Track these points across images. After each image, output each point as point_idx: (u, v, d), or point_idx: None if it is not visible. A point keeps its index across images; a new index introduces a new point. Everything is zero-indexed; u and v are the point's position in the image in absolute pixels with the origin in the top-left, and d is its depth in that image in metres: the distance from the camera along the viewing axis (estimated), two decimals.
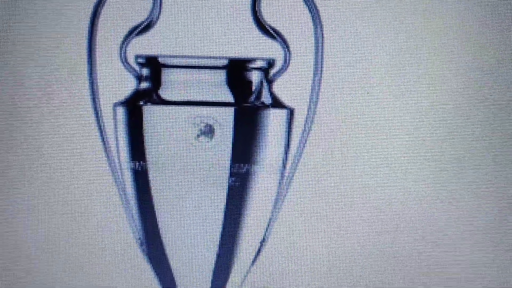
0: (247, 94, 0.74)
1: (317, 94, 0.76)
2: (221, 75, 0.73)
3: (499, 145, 0.77)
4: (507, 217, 0.77)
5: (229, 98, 0.73)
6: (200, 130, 0.72)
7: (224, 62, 0.73)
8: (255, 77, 0.74)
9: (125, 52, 0.74)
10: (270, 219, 0.75)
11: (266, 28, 0.75)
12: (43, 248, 0.76)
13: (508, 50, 0.77)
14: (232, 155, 0.73)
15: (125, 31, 0.75)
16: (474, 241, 0.77)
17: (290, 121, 0.75)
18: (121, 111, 0.74)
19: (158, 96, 0.73)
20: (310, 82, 0.75)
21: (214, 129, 0.72)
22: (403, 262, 0.77)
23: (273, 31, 0.75)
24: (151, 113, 0.73)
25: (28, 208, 0.75)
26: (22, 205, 0.75)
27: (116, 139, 0.74)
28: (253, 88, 0.74)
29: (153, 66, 0.73)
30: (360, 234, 0.76)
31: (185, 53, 0.75)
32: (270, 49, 0.75)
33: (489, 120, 0.77)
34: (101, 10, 0.75)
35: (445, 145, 0.77)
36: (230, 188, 0.73)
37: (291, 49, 0.75)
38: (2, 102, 0.75)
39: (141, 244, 0.74)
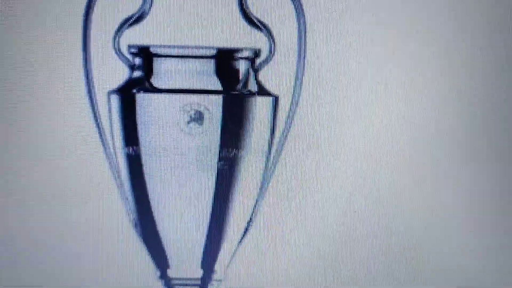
0: (234, 82, 0.73)
1: (301, 82, 0.75)
2: (210, 64, 0.73)
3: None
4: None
5: (218, 86, 0.73)
6: (190, 116, 0.72)
7: (213, 52, 0.73)
8: (242, 66, 0.74)
9: (118, 42, 0.74)
10: (256, 201, 0.75)
11: (252, 19, 0.74)
12: (40, 230, 0.75)
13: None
14: (220, 140, 0.73)
15: (118, 22, 0.74)
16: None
17: (275, 108, 0.75)
18: (115, 99, 0.73)
19: (150, 84, 0.73)
20: (294, 71, 0.75)
21: (203, 115, 0.72)
22: (382, 241, 0.77)
23: (259, 23, 0.74)
24: (143, 101, 0.72)
25: (25, 193, 0.75)
26: (19, 190, 0.75)
27: (110, 125, 0.74)
28: (240, 76, 0.74)
29: (145, 56, 0.73)
30: (342, 214, 0.76)
31: (176, 43, 0.75)
32: (256, 39, 0.75)
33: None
34: (95, 1, 0.74)
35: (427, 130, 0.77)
36: (219, 172, 0.73)
37: (276, 39, 0.75)
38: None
39: (135, 226, 0.74)
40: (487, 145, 0.77)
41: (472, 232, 0.77)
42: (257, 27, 0.75)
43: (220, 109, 0.72)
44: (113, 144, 0.74)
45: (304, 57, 0.75)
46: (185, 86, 0.73)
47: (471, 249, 0.77)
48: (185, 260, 0.74)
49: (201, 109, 0.72)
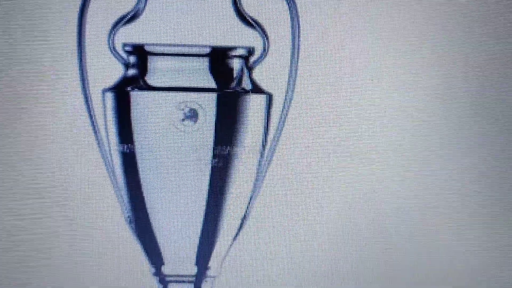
0: (228, 80, 0.73)
1: (294, 80, 0.76)
2: (204, 63, 0.73)
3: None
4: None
5: (212, 84, 0.73)
6: (185, 114, 0.72)
7: (207, 50, 0.73)
8: (236, 64, 0.74)
9: (113, 41, 0.74)
10: (250, 198, 0.75)
11: (246, 18, 0.75)
12: (34, 226, 0.74)
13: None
14: (215, 137, 0.73)
15: (113, 21, 0.75)
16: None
17: (269, 105, 0.75)
18: (109, 97, 0.73)
19: (145, 82, 0.73)
20: (287, 69, 0.75)
21: (198, 113, 0.72)
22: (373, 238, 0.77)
23: (253, 22, 0.75)
24: (138, 98, 0.72)
25: (18, 191, 0.74)
26: (13, 188, 0.74)
27: (105, 123, 0.74)
28: (234, 74, 0.74)
29: (140, 54, 0.73)
30: (335, 210, 0.76)
31: (170, 42, 0.75)
32: (250, 38, 0.75)
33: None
34: (90, 1, 0.74)
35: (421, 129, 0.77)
36: (213, 169, 0.73)
37: (269, 38, 0.75)
38: None
39: (130, 222, 0.74)
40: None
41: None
42: (251, 25, 0.75)
43: (214, 107, 0.72)
44: (108, 141, 0.74)
45: (297, 56, 0.75)
46: (180, 84, 0.73)
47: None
48: (180, 256, 0.74)
49: (196, 107, 0.72)
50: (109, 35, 0.74)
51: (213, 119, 0.72)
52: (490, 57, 0.78)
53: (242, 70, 0.74)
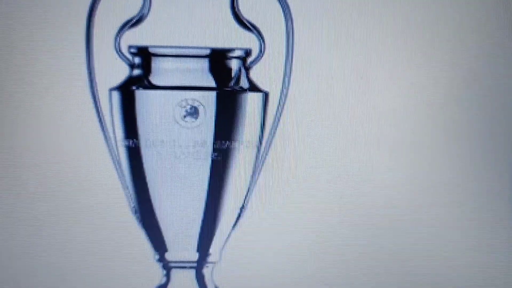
0: (227, 79, 0.74)
1: (289, 79, 0.76)
2: (205, 63, 0.73)
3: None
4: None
5: (212, 83, 0.73)
6: (186, 111, 0.73)
7: (207, 51, 0.73)
8: (234, 64, 0.74)
9: (119, 43, 0.75)
10: (248, 189, 0.75)
11: (243, 22, 0.75)
12: (45, 217, 0.75)
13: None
14: (214, 133, 0.73)
15: (119, 24, 0.75)
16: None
17: (265, 103, 0.75)
18: (116, 95, 0.74)
19: (149, 82, 0.73)
20: (283, 68, 0.76)
21: (198, 110, 0.73)
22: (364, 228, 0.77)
23: (250, 25, 0.75)
24: (142, 97, 0.73)
25: (30, 185, 0.75)
26: (25, 183, 0.75)
27: (112, 119, 0.74)
28: (233, 74, 0.74)
29: (144, 55, 0.74)
30: (328, 201, 0.76)
31: (173, 44, 0.75)
32: (247, 40, 0.75)
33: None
34: (97, 5, 0.74)
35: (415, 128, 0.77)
36: (213, 162, 0.73)
37: (265, 40, 0.75)
38: (6, 88, 0.75)
39: (135, 212, 0.75)
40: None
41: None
42: (248, 28, 0.75)
43: (214, 104, 0.73)
44: (114, 137, 0.74)
45: (291, 56, 0.76)
46: (181, 83, 0.73)
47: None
48: (182, 244, 0.75)
49: (196, 104, 0.73)
50: (115, 38, 0.75)
51: (213, 116, 0.73)
52: (491, 58, 0.78)
53: (240, 70, 0.74)
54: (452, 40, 0.78)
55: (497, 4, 0.77)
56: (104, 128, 0.75)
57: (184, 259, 0.75)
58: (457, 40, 0.78)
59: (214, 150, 0.74)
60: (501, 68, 0.77)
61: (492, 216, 0.77)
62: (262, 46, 0.76)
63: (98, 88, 0.75)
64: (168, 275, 0.76)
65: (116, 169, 0.75)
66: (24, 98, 0.75)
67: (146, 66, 0.74)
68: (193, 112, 0.73)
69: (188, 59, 0.74)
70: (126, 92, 0.74)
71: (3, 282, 0.75)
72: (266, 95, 0.76)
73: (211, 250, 0.76)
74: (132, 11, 0.75)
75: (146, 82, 0.74)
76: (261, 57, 0.76)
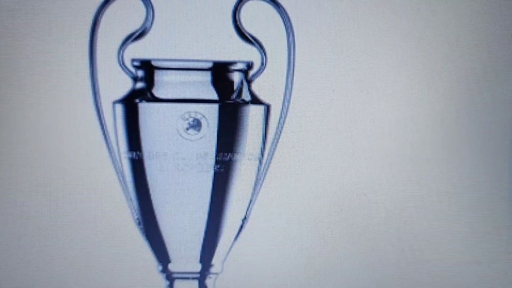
0: (229, 92, 0.74)
1: (290, 92, 0.76)
2: (207, 76, 0.74)
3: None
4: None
5: (214, 96, 0.73)
6: (189, 123, 0.73)
7: (209, 65, 0.74)
8: (236, 77, 0.75)
9: (122, 56, 0.75)
10: (250, 200, 0.75)
11: (245, 35, 0.75)
12: (51, 229, 0.75)
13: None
14: (217, 145, 0.73)
15: (122, 38, 0.75)
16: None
17: (267, 115, 0.76)
18: (119, 108, 0.74)
19: (152, 95, 0.73)
20: (284, 81, 0.76)
21: (201, 123, 0.73)
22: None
23: (252, 38, 0.75)
24: (145, 109, 0.73)
25: (37, 196, 0.75)
26: (33, 195, 0.75)
27: (116, 132, 0.74)
28: (235, 87, 0.74)
29: (147, 68, 0.74)
30: (330, 213, 0.77)
31: (175, 57, 0.75)
32: (249, 53, 0.76)
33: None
34: (100, 19, 0.75)
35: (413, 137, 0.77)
36: (216, 174, 0.74)
37: (267, 53, 0.76)
38: (13, 104, 0.75)
39: (139, 223, 0.75)
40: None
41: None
42: (249, 42, 0.76)
43: (216, 116, 0.73)
44: (118, 149, 0.75)
45: (293, 69, 0.76)
46: (184, 96, 0.73)
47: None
48: (185, 255, 0.75)
49: (199, 117, 0.73)
50: (119, 51, 0.75)
51: (215, 128, 0.73)
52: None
53: (242, 83, 0.75)
54: (450, 56, 0.78)
55: (495, 18, 0.78)
56: (108, 141, 0.75)
57: (187, 270, 0.75)
58: (456, 56, 0.78)
59: (217, 162, 0.74)
60: (497, 83, 0.78)
61: (490, 227, 0.78)
62: (264, 59, 0.76)
63: (102, 101, 0.75)
64: (171, 286, 0.76)
65: (120, 181, 0.75)
66: (28, 111, 0.75)
67: (149, 79, 0.74)
68: (196, 124, 0.73)
69: (191, 72, 0.74)
70: (130, 105, 0.74)
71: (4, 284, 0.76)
72: (267, 108, 0.76)
73: (213, 261, 0.76)
74: (135, 25, 0.75)
75: (149, 95, 0.74)
76: (262, 70, 0.76)
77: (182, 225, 0.75)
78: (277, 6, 0.76)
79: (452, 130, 0.77)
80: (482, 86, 0.78)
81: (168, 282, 0.76)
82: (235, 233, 0.76)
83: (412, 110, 0.77)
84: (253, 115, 0.75)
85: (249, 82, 0.76)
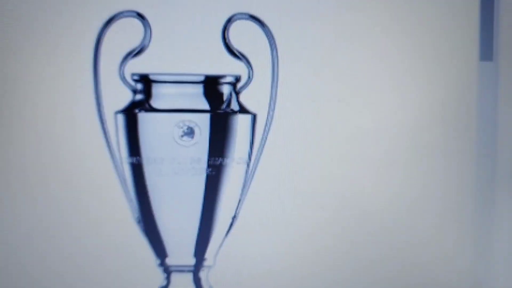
0: (220, 103, 0.76)
1: (275, 102, 0.78)
2: (199, 88, 0.76)
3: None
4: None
5: (206, 106, 0.76)
6: (184, 131, 0.75)
7: (201, 78, 0.76)
8: (226, 89, 0.77)
9: (123, 71, 0.77)
10: (239, 200, 0.78)
11: (234, 51, 0.78)
12: (57, 228, 0.76)
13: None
14: (209, 150, 0.76)
15: (122, 55, 0.77)
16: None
17: (254, 123, 0.78)
18: (120, 118, 0.77)
19: (150, 105, 0.76)
20: (269, 92, 0.78)
21: (194, 131, 0.75)
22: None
23: (239, 54, 0.78)
24: (144, 119, 0.75)
25: (43, 199, 0.76)
26: (38, 196, 0.76)
27: (117, 139, 0.76)
28: (225, 98, 0.77)
29: (146, 82, 0.76)
30: (313, 211, 0.78)
31: (171, 71, 0.77)
32: (237, 67, 0.78)
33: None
34: (103, 38, 0.76)
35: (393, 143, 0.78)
36: (208, 177, 0.76)
37: (253, 67, 0.78)
38: (16, 114, 0.76)
39: (139, 222, 0.77)
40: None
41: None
42: (237, 57, 0.78)
43: (208, 125, 0.76)
44: (120, 155, 0.77)
45: (277, 81, 0.78)
46: (179, 106, 0.76)
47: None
48: (181, 250, 0.76)
49: (192, 125, 0.75)
50: (120, 67, 0.77)
51: (207, 135, 0.76)
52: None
53: (231, 94, 0.77)
54: (422, 73, 0.79)
55: (464, 39, 0.79)
56: (110, 147, 0.77)
57: (182, 264, 0.77)
58: (428, 74, 0.80)
59: (209, 166, 0.76)
60: (463, 98, 0.79)
61: (459, 222, 0.80)
62: (251, 72, 0.78)
63: (105, 112, 0.77)
64: (168, 278, 0.78)
65: (121, 183, 0.77)
66: (37, 122, 0.77)
67: (147, 92, 0.77)
68: (190, 132, 0.76)
69: (185, 85, 0.76)
70: (130, 115, 0.77)
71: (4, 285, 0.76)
72: (254, 117, 0.78)
73: (206, 255, 0.78)
74: (134, 43, 0.78)
75: (147, 106, 0.76)
76: (249, 83, 0.78)
77: (177, 223, 0.76)
78: (262, 25, 0.78)
79: (425, 141, 0.79)
80: (450, 104, 0.80)
81: (165, 275, 0.78)
82: (226, 230, 0.78)
83: (387, 120, 0.79)
84: (241, 123, 0.77)
85: (237, 93, 0.78)
